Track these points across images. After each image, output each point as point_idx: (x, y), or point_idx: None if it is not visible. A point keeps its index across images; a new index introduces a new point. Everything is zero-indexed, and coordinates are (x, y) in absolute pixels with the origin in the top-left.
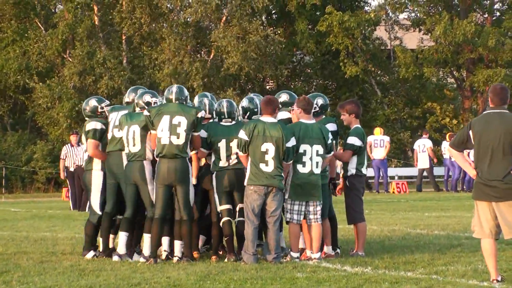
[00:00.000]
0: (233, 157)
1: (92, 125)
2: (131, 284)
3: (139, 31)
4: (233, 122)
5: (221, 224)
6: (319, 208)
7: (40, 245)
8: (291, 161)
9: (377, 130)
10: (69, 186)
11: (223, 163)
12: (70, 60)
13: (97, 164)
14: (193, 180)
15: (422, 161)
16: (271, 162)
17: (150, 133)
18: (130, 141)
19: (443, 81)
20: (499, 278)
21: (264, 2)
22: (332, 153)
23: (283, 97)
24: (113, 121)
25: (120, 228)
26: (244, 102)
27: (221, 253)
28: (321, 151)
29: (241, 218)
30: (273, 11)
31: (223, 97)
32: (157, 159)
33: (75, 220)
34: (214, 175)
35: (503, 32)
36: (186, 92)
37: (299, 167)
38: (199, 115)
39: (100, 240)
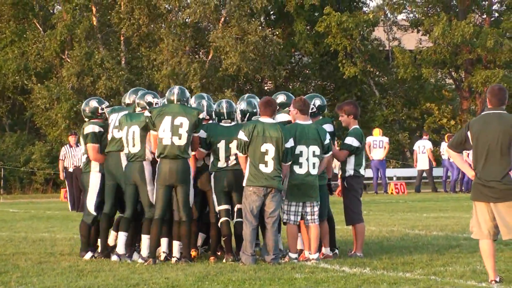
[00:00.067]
0: (232, 158)
1: (90, 128)
2: (129, 284)
3: (138, 32)
4: (233, 123)
5: (219, 224)
6: (316, 209)
7: (39, 245)
8: (290, 162)
9: (376, 131)
10: (67, 187)
11: (221, 163)
12: (69, 61)
13: (95, 166)
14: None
15: (422, 162)
16: (270, 162)
17: (152, 132)
18: (130, 142)
19: (442, 82)
20: (498, 279)
21: (263, 3)
22: (330, 153)
23: (280, 98)
24: (113, 122)
25: (120, 228)
26: (243, 105)
27: (219, 253)
28: (317, 151)
29: (239, 219)
30: (272, 12)
31: (221, 98)
32: (158, 159)
33: (74, 221)
34: (212, 176)
35: (501, 33)
36: (188, 93)
37: (296, 168)
38: (201, 116)
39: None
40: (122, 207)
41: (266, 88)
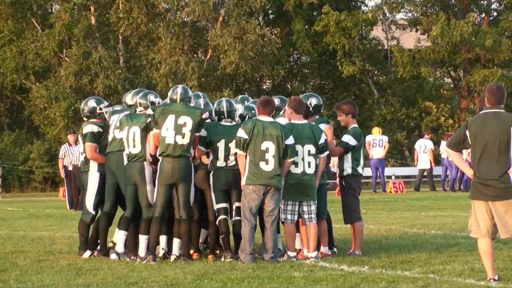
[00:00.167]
0: (231, 158)
1: (89, 128)
2: (128, 283)
3: (137, 31)
4: (233, 123)
5: (217, 222)
6: (313, 207)
7: (38, 244)
8: (293, 159)
9: (376, 130)
10: (65, 185)
11: (220, 163)
12: (67, 60)
13: (94, 165)
14: None
15: (423, 161)
16: (271, 160)
17: (153, 131)
18: (130, 142)
19: (440, 81)
20: (496, 277)
21: (262, 2)
22: (326, 153)
23: (275, 101)
24: (115, 122)
25: (119, 227)
26: (241, 110)
27: (218, 252)
28: (313, 150)
29: (238, 217)
30: (270, 11)
31: (219, 97)
32: (159, 158)
33: (72, 220)
34: (211, 174)
35: (500, 32)
36: (191, 93)
37: (292, 167)
38: (204, 116)
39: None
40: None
41: (264, 87)
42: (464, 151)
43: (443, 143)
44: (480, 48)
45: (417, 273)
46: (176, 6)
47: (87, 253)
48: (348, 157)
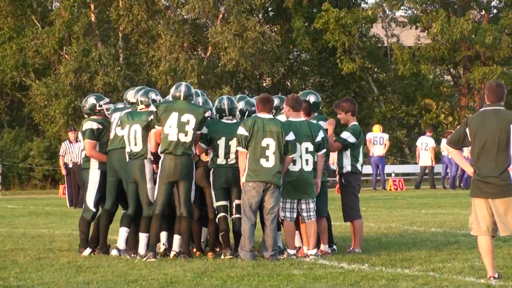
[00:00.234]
0: (232, 155)
1: (88, 125)
2: (128, 280)
3: (137, 28)
4: (234, 121)
5: (216, 220)
6: (311, 205)
7: (37, 241)
8: (294, 155)
9: (377, 128)
10: (66, 183)
11: (221, 160)
12: (67, 57)
13: (94, 162)
14: None
15: (424, 158)
16: (272, 157)
17: (155, 129)
18: (131, 141)
19: (440, 79)
20: (496, 275)
21: None
22: (323, 151)
23: (275, 101)
24: (116, 120)
25: (121, 224)
26: (241, 104)
27: (218, 250)
28: (310, 148)
29: (238, 215)
30: (270, 8)
31: (219, 94)
32: (161, 155)
33: (72, 217)
34: (211, 172)
35: (500, 30)
36: (193, 90)
37: (290, 165)
38: (206, 114)
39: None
40: (126, 204)
41: (264, 84)
42: (465, 148)
43: (444, 141)
44: (480, 46)
45: (417, 271)
46: (176, 3)
47: (87, 250)
48: (347, 154)
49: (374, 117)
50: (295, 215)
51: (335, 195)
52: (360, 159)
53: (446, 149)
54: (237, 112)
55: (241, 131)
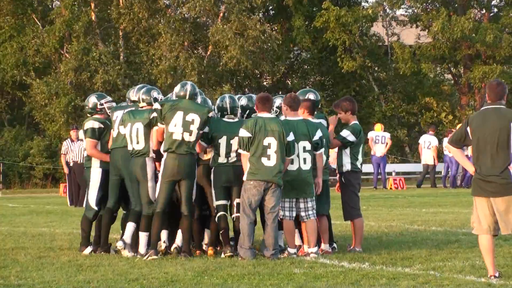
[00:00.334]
0: (233, 154)
1: (90, 124)
2: (128, 279)
3: (138, 27)
4: (236, 119)
5: (216, 219)
6: (310, 204)
7: (38, 240)
8: (293, 156)
9: (378, 126)
10: (67, 181)
11: (222, 159)
12: (67, 56)
13: (96, 161)
14: None
15: (427, 157)
16: (273, 156)
17: (157, 126)
18: (133, 139)
19: (440, 77)
20: (497, 274)
21: None
22: (322, 150)
23: (277, 101)
24: (119, 118)
25: (129, 219)
26: (243, 101)
27: (218, 248)
28: (308, 147)
29: (238, 214)
30: (270, 7)
31: (220, 92)
32: (163, 154)
33: (73, 216)
34: (212, 170)
35: (500, 28)
36: (197, 90)
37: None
38: (210, 114)
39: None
40: (126, 203)
41: (265, 83)
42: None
43: (446, 140)
44: (481, 44)
45: (417, 269)
46: (176, 2)
47: (88, 249)
48: (347, 153)
49: (374, 116)
50: (294, 214)
51: (335, 194)
52: (360, 157)
53: (447, 148)
54: (239, 110)
55: (243, 133)
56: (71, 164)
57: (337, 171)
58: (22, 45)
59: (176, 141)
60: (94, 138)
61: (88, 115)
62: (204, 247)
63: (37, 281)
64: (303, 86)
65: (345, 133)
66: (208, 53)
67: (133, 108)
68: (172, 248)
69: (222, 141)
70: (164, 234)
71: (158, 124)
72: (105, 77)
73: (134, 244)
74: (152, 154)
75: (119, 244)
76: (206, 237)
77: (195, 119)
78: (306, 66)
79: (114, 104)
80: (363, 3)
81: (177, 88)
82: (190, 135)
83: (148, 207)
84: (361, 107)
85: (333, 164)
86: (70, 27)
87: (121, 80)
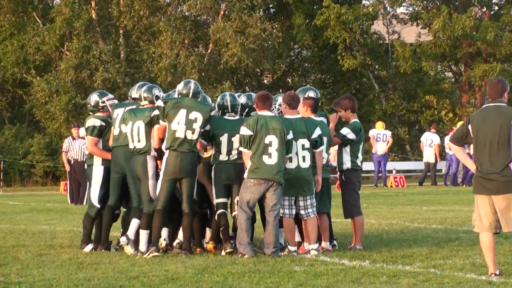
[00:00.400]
0: (234, 152)
1: (91, 122)
2: (129, 277)
3: (138, 24)
4: (237, 117)
5: (216, 216)
6: (309, 202)
7: (39, 238)
8: (290, 154)
9: (379, 124)
10: (68, 179)
11: (223, 157)
12: (68, 54)
13: (98, 159)
14: None
15: (428, 155)
16: (274, 154)
17: (158, 124)
18: (134, 137)
19: (441, 75)
20: (497, 272)
21: None
22: (321, 148)
23: (279, 100)
24: (120, 116)
25: (132, 216)
26: (243, 99)
27: (219, 246)
28: (307, 145)
29: None
30: (271, 5)
31: (220, 90)
32: (165, 151)
33: (73, 214)
34: (213, 168)
35: (501, 26)
36: (200, 88)
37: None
38: (212, 113)
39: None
40: (127, 201)
41: (265, 81)
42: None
43: (447, 138)
44: (481, 42)
45: (418, 267)
46: (177, 0)
47: (89, 247)
48: (347, 151)
49: (375, 114)
50: (294, 211)
51: (335, 192)
52: (360, 155)
53: (448, 146)
54: (239, 108)
55: (244, 131)
56: (72, 162)
57: (337, 169)
58: (23, 43)
59: (179, 139)
60: (94, 136)
61: (90, 113)
62: (204, 245)
63: (37, 279)
64: (303, 84)
65: (345, 131)
66: (209, 51)
67: (134, 106)
68: (174, 243)
69: (224, 139)
70: (164, 232)
71: (160, 121)
72: (105, 75)
73: (136, 241)
74: (153, 152)
75: (123, 240)
76: (207, 235)
77: (198, 117)
78: (306, 64)
79: (116, 102)
80: (363, 1)
81: (180, 86)
82: (193, 133)
83: (149, 205)
84: (362, 105)
85: (333, 162)
86: (71, 25)
87: (121, 78)
